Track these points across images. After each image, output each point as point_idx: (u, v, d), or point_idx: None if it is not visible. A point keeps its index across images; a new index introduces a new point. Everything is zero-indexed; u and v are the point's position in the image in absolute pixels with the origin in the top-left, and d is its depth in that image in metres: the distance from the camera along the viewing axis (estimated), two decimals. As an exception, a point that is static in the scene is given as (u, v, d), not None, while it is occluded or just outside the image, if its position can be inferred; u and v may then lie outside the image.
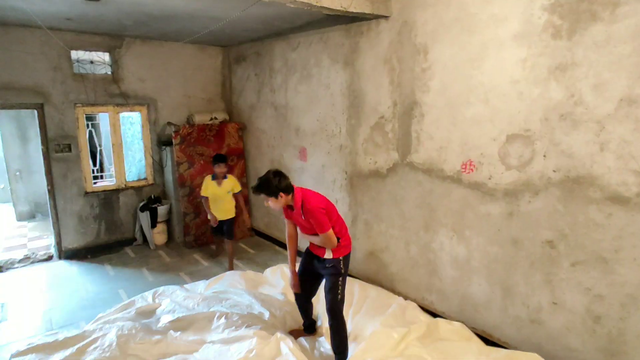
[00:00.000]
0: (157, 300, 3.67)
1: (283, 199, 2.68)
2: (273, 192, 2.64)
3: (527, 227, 2.89)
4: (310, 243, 2.95)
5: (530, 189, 2.83)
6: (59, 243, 4.94)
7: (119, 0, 3.42)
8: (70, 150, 4.78)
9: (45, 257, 4.97)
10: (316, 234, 2.76)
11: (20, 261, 4.83)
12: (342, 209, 4.34)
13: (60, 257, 4.95)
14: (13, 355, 2.68)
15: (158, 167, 5.51)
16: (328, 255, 2.82)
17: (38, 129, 4.66)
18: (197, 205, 5.28)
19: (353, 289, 3.80)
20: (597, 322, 2.62)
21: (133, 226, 5.40)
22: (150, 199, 5.32)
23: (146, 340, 2.87)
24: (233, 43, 5.49)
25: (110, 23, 4.23)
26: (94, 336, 2.87)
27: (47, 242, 5.56)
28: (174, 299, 3.60)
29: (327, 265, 2.84)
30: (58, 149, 4.71)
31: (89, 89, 4.82)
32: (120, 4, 3.50)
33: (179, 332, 2.99)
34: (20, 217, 6.56)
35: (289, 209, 2.85)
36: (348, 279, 4.12)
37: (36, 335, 3.28)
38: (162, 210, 5.27)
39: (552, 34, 2.58)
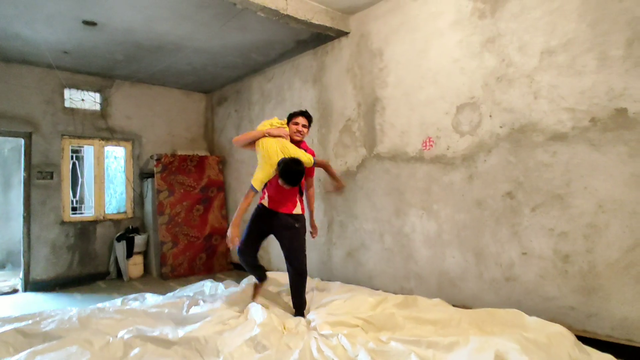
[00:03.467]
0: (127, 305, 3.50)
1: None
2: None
3: (487, 186, 3.05)
4: (275, 202, 3.09)
5: (484, 149, 3.06)
6: (26, 274, 4.74)
7: (112, 26, 3.92)
8: (52, 178, 4.90)
9: (9, 289, 4.71)
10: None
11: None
12: (318, 217, 4.41)
13: (26, 290, 4.70)
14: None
15: (138, 200, 5.57)
16: (297, 210, 2.90)
17: (22, 158, 4.83)
18: (175, 234, 5.25)
19: (331, 288, 3.70)
20: (566, 262, 2.65)
21: (108, 259, 5.25)
22: (128, 229, 5.29)
23: (109, 318, 2.72)
24: (215, 87, 6.05)
25: (103, 59, 4.72)
26: (52, 314, 2.71)
27: (13, 282, 5.29)
28: (143, 300, 3.44)
29: (294, 223, 2.92)
30: (40, 176, 4.82)
31: (77, 122, 5.13)
32: (113, 30, 4.00)
33: (145, 309, 2.84)
34: (-10, 267, 6.29)
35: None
36: (326, 281, 4.04)
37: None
38: (139, 240, 5.20)
39: (479, 16, 3.08)
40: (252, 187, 2.91)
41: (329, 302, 3.00)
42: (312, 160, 2.99)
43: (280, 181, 2.82)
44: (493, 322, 2.52)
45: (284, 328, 2.51)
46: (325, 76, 4.39)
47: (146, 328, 2.48)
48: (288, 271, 3.07)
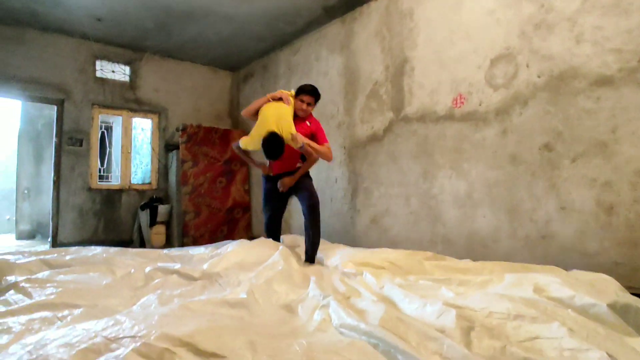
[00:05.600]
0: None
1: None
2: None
3: (522, 139, 2.89)
4: (278, 168, 3.31)
5: (520, 101, 2.91)
6: (54, 236, 4.84)
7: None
8: (81, 144, 5.00)
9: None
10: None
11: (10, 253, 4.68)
12: (342, 185, 4.32)
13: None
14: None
15: (163, 171, 5.63)
16: (300, 163, 3.23)
17: (54, 124, 4.96)
18: (198, 205, 5.27)
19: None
20: (610, 214, 2.47)
21: (132, 227, 5.32)
22: (152, 198, 5.34)
23: (132, 259, 2.71)
24: (242, 63, 6.07)
25: (134, 27, 4.81)
26: (77, 250, 2.73)
27: (43, 248, 5.42)
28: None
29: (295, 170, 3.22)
30: (70, 142, 4.93)
31: (107, 92, 5.24)
32: (144, -7, 4.06)
33: (168, 252, 2.82)
34: (20, 236, 6.48)
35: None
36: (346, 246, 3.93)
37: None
38: (162, 209, 5.24)
39: (516, -37, 2.95)
40: (235, 144, 3.33)
41: (352, 253, 2.90)
42: (289, 137, 2.92)
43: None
44: (527, 272, 2.35)
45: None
46: (353, 42, 4.31)
47: (168, 264, 2.46)
48: (304, 215, 3.09)
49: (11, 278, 1.99)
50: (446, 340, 1.23)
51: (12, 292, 1.80)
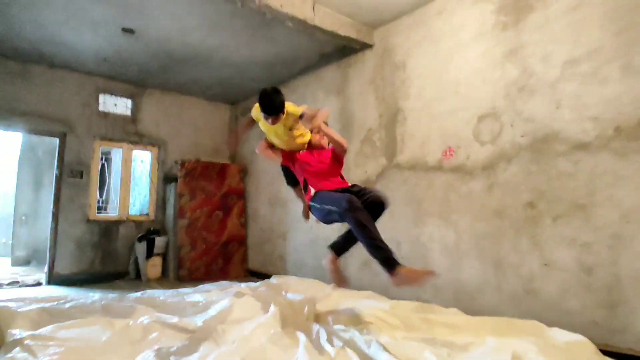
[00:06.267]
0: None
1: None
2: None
3: (507, 195, 3.03)
4: (320, 185, 2.75)
5: (504, 158, 3.06)
6: (51, 268, 4.89)
7: (149, 35, 4.17)
8: (82, 176, 5.11)
9: (33, 282, 4.86)
10: (326, 166, 2.82)
11: (7, 284, 4.72)
12: (337, 226, 4.42)
13: (49, 283, 4.84)
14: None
15: (161, 203, 5.73)
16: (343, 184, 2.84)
17: (56, 156, 5.07)
18: (194, 239, 5.35)
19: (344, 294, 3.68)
20: (590, 274, 2.58)
21: (128, 259, 5.37)
22: (149, 231, 5.42)
23: (129, 306, 2.78)
24: (240, 99, 6.26)
25: (138, 67, 4.99)
26: (76, 298, 2.80)
27: (39, 277, 5.46)
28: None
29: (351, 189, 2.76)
30: (71, 174, 5.04)
31: (109, 126, 5.38)
32: (149, 39, 4.25)
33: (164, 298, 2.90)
34: (16, 262, 6.50)
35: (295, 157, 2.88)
36: (341, 291, 4.01)
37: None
38: (159, 242, 5.31)
39: (502, 28, 3.15)
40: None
41: (343, 303, 2.98)
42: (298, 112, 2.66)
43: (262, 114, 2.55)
44: (511, 330, 2.45)
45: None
46: (349, 88, 4.50)
47: (165, 315, 2.53)
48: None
49: (16, 332, 2.07)
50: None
51: (17, 349, 1.88)
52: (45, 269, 4.99)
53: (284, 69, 5.02)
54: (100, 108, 5.38)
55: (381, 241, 2.41)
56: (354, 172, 4.28)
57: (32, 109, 4.86)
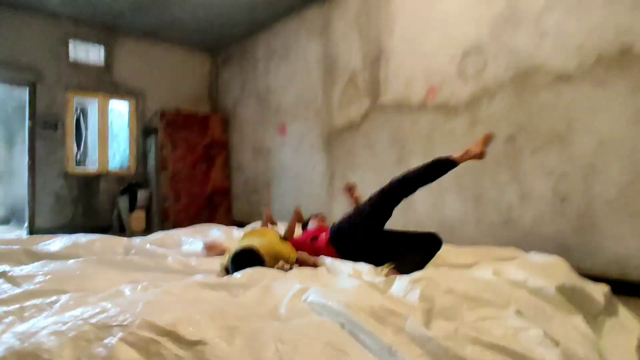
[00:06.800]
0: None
1: None
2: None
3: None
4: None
5: (488, 94, 3.06)
6: (31, 223, 4.81)
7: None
8: (56, 129, 4.92)
9: (14, 237, 4.79)
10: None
11: (-12, 239, 4.64)
12: (320, 170, 4.44)
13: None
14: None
15: (141, 157, 5.61)
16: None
17: (27, 107, 4.85)
18: (178, 191, 5.30)
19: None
20: (564, 202, 2.67)
21: (111, 213, 5.32)
22: (131, 184, 5.34)
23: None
24: (220, 46, 6.01)
25: (108, 6, 4.68)
26: (58, 238, 2.77)
27: (18, 233, 5.38)
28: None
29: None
30: (44, 126, 4.85)
31: (82, 75, 5.13)
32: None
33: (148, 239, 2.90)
34: (-6, 222, 6.38)
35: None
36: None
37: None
38: (141, 194, 5.25)
39: (489, -42, 3.04)
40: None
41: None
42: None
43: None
44: (490, 256, 2.55)
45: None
46: (331, 29, 4.35)
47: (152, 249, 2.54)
48: None
49: (0, 267, 2.04)
50: (409, 318, 1.37)
51: (1, 280, 1.86)
52: (26, 224, 4.91)
53: (265, 12, 4.80)
54: (71, 55, 5.09)
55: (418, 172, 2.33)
56: (338, 115, 4.24)
57: (-3, 57, 4.58)
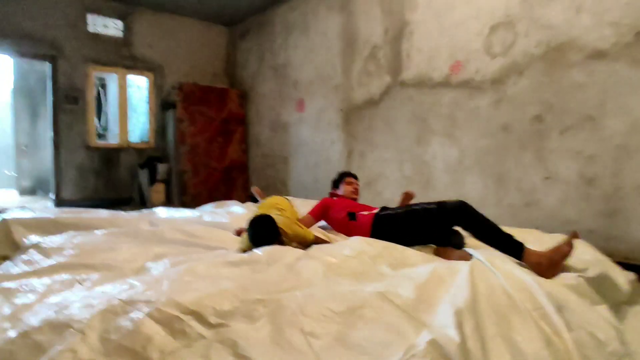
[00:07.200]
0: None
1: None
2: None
3: (515, 109, 2.95)
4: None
5: (516, 71, 2.93)
6: (57, 194, 4.96)
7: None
8: (77, 103, 4.98)
9: (41, 207, 4.97)
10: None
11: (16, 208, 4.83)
12: (338, 147, 4.40)
13: (56, 207, 4.95)
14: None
15: (160, 131, 5.66)
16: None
17: (49, 82, 4.91)
18: (196, 165, 5.36)
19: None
20: (591, 185, 2.59)
21: (131, 186, 5.44)
22: (150, 157, 5.42)
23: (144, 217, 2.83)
24: (238, 19, 5.89)
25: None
26: (85, 211, 2.86)
27: (45, 204, 5.58)
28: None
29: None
30: (66, 100, 4.91)
31: (101, 49, 5.14)
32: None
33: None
34: (23, 192, 6.62)
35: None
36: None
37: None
38: (161, 168, 5.34)
39: None
40: None
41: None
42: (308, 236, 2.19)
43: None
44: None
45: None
46: (352, 2, 4.20)
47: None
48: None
49: (31, 237, 2.12)
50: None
51: (33, 251, 1.94)
52: (52, 195, 5.07)
53: (282, -17, 4.65)
54: (90, 29, 5.08)
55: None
56: (357, 92, 4.15)
57: (19, 30, 4.60)
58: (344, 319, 1.20)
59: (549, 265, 1.67)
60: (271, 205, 2.54)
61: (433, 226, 2.12)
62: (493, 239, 1.90)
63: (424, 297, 1.30)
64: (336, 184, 2.93)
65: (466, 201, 2.06)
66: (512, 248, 1.80)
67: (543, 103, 2.79)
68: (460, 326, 1.12)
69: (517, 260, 1.73)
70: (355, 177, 2.96)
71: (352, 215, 2.43)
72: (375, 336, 1.14)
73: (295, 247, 2.09)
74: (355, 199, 2.81)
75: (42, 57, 4.84)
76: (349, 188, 2.82)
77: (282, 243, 2.07)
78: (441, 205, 2.09)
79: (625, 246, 2.46)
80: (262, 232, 2.02)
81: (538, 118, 2.82)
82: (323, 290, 1.41)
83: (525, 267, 1.68)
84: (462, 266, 1.52)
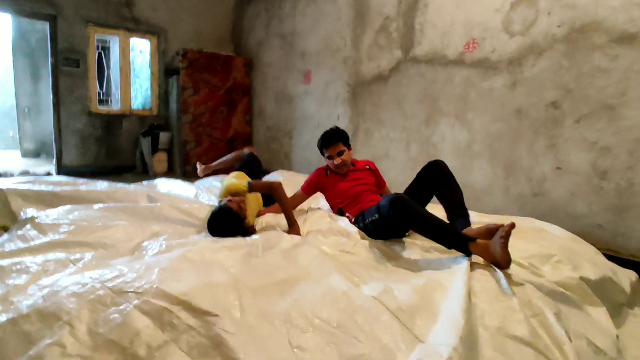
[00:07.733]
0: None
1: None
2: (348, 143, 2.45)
3: (531, 93, 2.81)
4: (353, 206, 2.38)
5: (535, 52, 2.76)
6: (58, 160, 4.94)
7: None
8: (78, 66, 4.86)
9: (44, 173, 4.96)
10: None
11: (18, 174, 4.83)
12: (343, 123, 4.29)
13: (59, 174, 4.93)
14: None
15: (164, 97, 5.54)
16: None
17: (49, 43, 4.75)
18: (199, 134, 5.27)
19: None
20: (603, 178, 2.49)
21: (133, 153, 5.39)
22: (152, 125, 5.34)
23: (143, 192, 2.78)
24: (245, -18, 5.62)
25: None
26: (85, 182, 2.82)
27: (48, 168, 5.57)
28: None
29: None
30: (66, 63, 4.78)
31: (101, 8, 4.94)
32: None
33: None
34: (26, 155, 6.62)
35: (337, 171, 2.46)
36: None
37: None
38: (163, 137, 5.26)
39: None
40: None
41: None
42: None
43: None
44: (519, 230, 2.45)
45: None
46: (365, -32, 3.95)
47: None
48: None
49: (28, 210, 2.09)
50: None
51: (29, 226, 1.91)
52: (54, 160, 5.04)
53: (292, -56, 4.38)
54: (90, -13, 4.87)
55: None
56: (367, 66, 3.99)
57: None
58: (334, 329, 1.17)
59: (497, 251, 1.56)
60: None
61: (396, 227, 2.07)
62: (434, 233, 1.82)
63: (421, 303, 1.26)
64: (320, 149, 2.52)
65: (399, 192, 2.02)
66: (457, 241, 1.73)
67: (561, 88, 2.64)
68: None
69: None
70: (333, 142, 2.40)
71: (341, 212, 2.41)
72: (365, 353, 1.10)
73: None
74: (345, 173, 2.45)
75: (41, 17, 4.67)
76: (331, 164, 2.45)
77: (245, 229, 2.09)
78: (380, 212, 1.99)
79: (634, 244, 2.40)
80: (224, 227, 2.02)
81: (554, 104, 2.69)
82: (316, 287, 1.38)
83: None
84: (458, 271, 1.47)
